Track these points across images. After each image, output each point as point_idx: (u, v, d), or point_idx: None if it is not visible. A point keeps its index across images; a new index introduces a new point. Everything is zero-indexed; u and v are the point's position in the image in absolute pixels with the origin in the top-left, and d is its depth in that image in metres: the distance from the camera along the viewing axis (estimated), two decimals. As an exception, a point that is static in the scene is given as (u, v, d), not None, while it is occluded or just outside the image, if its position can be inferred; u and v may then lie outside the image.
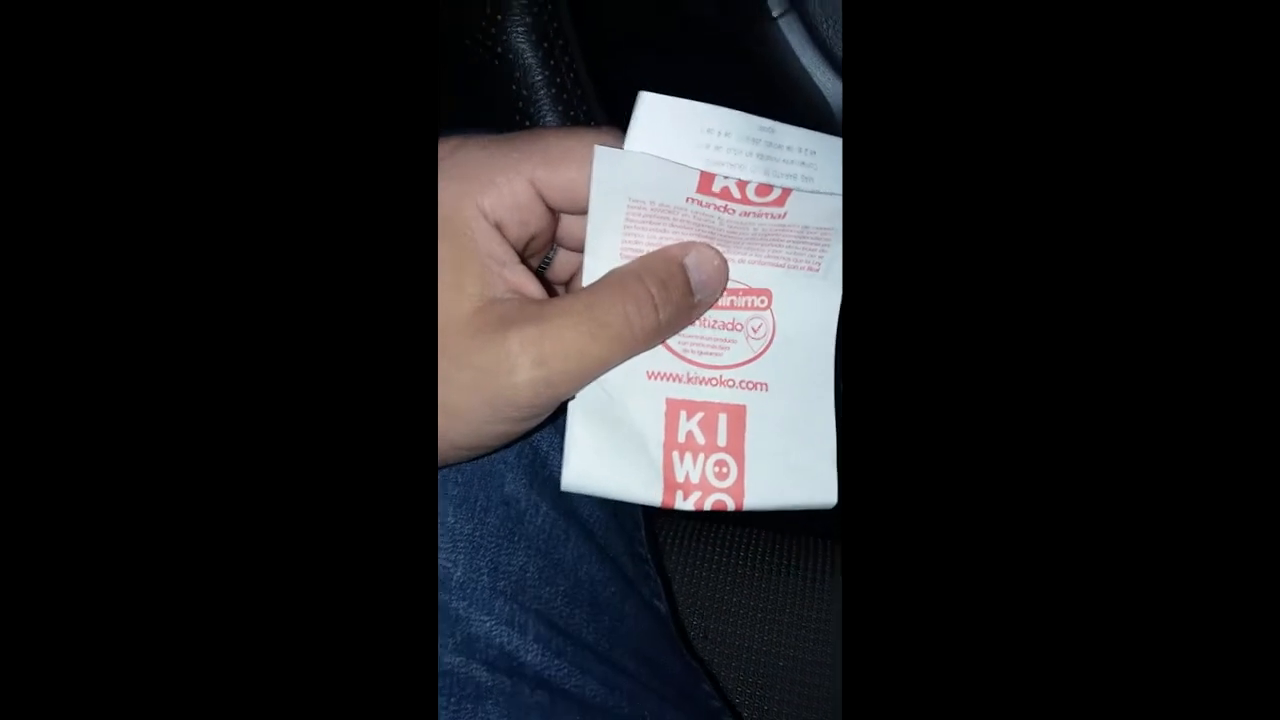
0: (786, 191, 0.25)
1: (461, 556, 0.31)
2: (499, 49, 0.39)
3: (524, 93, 0.40)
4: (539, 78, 0.41)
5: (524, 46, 0.39)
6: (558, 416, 0.27)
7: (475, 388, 0.24)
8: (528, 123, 0.41)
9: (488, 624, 0.31)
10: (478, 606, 0.31)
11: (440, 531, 0.31)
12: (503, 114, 0.40)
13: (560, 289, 0.30)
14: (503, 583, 0.32)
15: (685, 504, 0.27)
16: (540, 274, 0.29)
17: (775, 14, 0.40)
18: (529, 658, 0.32)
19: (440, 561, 0.31)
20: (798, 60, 0.41)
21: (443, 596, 0.31)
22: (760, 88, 0.42)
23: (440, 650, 0.31)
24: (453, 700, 0.30)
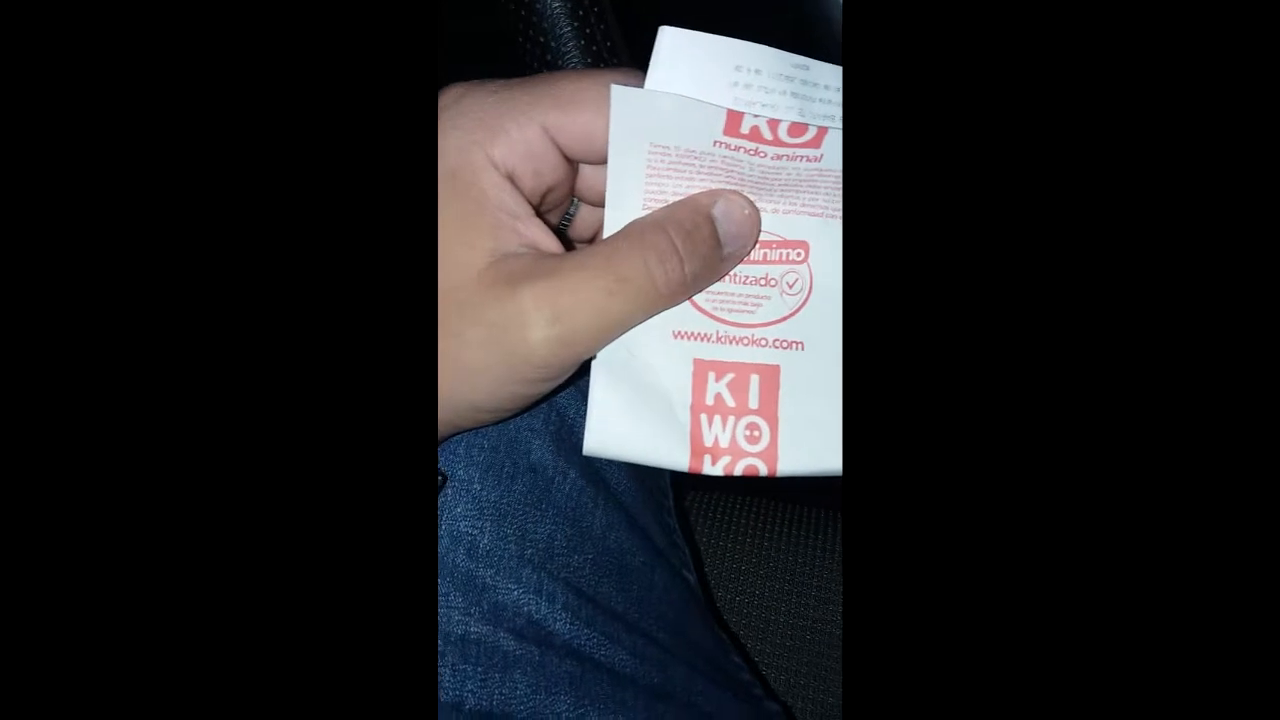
0: (823, 131, 0.23)
1: (488, 524, 0.31)
2: (524, -2, 0.38)
3: (551, 44, 0.39)
4: (567, 29, 0.39)
5: (550, -5, 0.38)
6: (580, 378, 0.25)
7: (489, 345, 0.22)
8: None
9: (515, 592, 0.31)
10: (505, 574, 0.31)
11: (467, 499, 0.31)
12: (529, 66, 0.39)
13: (583, 248, 0.29)
14: (530, 550, 0.31)
15: (714, 469, 0.26)
16: (561, 232, 0.28)
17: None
18: (558, 626, 0.31)
19: (466, 529, 0.30)
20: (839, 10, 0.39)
21: (470, 564, 0.30)
22: (799, 39, 0.39)
23: (467, 619, 0.30)
24: (480, 669, 0.30)
